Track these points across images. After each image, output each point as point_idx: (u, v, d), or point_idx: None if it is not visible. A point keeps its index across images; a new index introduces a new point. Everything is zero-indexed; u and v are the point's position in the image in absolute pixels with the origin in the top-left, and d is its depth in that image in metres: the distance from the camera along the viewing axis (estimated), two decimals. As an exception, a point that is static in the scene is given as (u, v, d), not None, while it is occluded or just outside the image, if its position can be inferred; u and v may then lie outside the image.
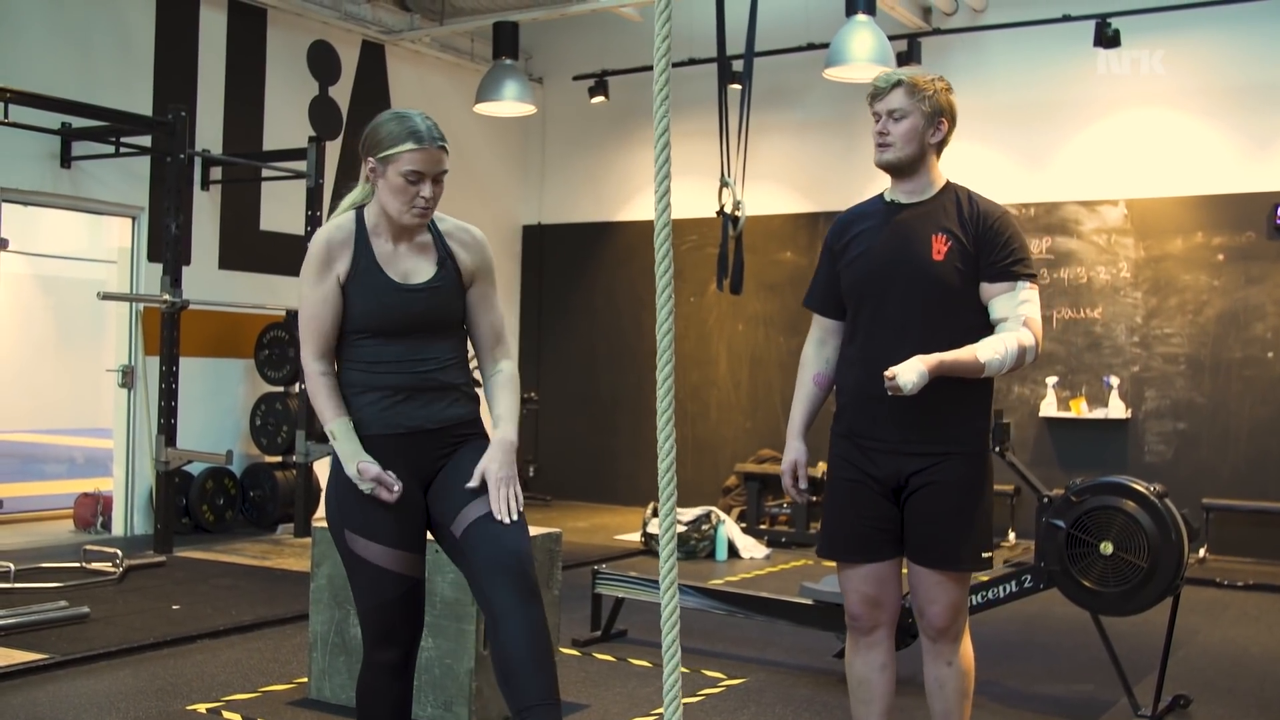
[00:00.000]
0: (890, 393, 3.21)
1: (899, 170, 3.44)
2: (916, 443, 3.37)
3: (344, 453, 3.02)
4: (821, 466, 8.96)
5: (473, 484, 3.04)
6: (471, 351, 3.25)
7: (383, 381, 3.08)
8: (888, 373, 3.20)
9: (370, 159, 3.09)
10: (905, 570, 3.51)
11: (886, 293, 3.41)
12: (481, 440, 3.17)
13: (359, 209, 3.18)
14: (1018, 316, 3.34)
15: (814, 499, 8.13)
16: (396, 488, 2.99)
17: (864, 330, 3.46)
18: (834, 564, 3.61)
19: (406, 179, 3.04)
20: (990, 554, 3.46)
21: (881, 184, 3.54)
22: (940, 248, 3.35)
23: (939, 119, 3.42)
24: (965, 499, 3.38)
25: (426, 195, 3.07)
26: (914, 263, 3.37)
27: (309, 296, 3.10)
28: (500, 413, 3.18)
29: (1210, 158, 9.16)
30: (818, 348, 3.66)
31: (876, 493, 3.44)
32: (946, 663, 3.46)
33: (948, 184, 3.47)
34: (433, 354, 3.12)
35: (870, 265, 3.44)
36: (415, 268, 3.13)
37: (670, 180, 2.02)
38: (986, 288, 3.37)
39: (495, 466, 3.06)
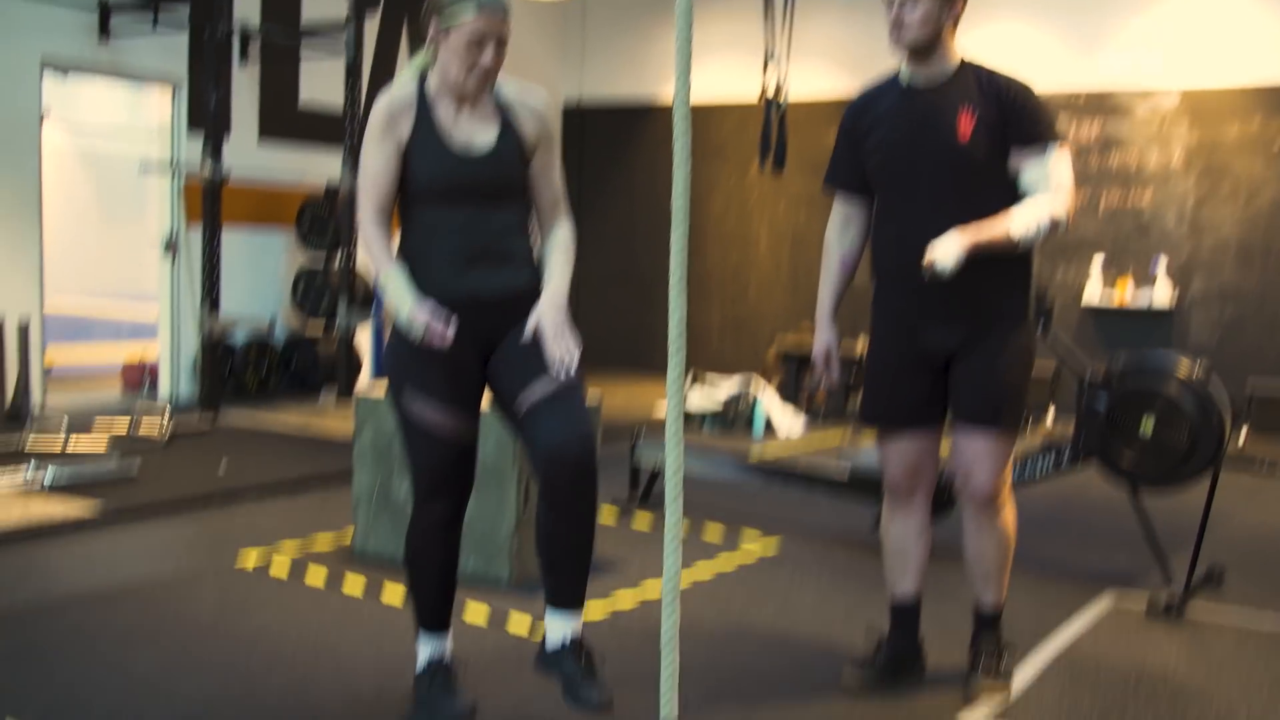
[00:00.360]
0: (928, 278, 3.23)
1: (917, 52, 3.38)
2: (959, 317, 3.39)
3: (396, 299, 2.99)
4: (861, 338, 8.99)
5: (526, 337, 3.02)
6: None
7: (444, 248, 3.06)
8: (925, 259, 3.21)
9: (434, 23, 3.05)
10: (947, 439, 3.54)
11: (916, 176, 3.40)
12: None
13: (423, 73, 3.14)
14: (1048, 180, 3.32)
15: (849, 383, 8.18)
16: (450, 332, 2.95)
17: (896, 213, 3.46)
18: (874, 433, 3.65)
19: (468, 45, 3.00)
20: (1026, 419, 3.50)
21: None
22: (965, 128, 3.33)
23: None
24: (1009, 362, 3.40)
25: (488, 62, 3.03)
26: (940, 145, 3.35)
27: (369, 160, 3.07)
28: (552, 271, 3.16)
29: (1269, 43, 8.93)
30: (841, 230, 3.67)
31: (919, 364, 3.47)
32: (989, 529, 3.50)
33: (963, 63, 3.42)
34: (495, 221, 3.09)
35: (896, 151, 3.43)
36: (477, 134, 3.09)
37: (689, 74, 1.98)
38: (1015, 155, 3.34)
39: (548, 320, 3.02)
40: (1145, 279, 9.29)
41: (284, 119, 9.58)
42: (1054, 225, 3.32)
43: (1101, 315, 9.43)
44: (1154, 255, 9.26)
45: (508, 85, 3.18)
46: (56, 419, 6.92)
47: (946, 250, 3.20)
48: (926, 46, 3.37)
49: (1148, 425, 4.61)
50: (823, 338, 3.69)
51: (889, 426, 3.56)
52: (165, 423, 7.11)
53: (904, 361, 3.49)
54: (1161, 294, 9.16)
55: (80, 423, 7.20)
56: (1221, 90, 9.10)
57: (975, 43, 10.57)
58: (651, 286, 11.31)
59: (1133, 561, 5.15)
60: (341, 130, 9.13)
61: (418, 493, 3.16)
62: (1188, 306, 9.24)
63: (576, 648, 3.05)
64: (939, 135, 3.36)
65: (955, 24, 3.41)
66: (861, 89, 3.64)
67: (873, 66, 10.68)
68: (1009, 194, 3.36)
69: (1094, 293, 9.38)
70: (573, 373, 3.00)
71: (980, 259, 3.25)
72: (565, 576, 3.08)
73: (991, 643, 3.58)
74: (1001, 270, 3.37)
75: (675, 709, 2.61)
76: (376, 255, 3.06)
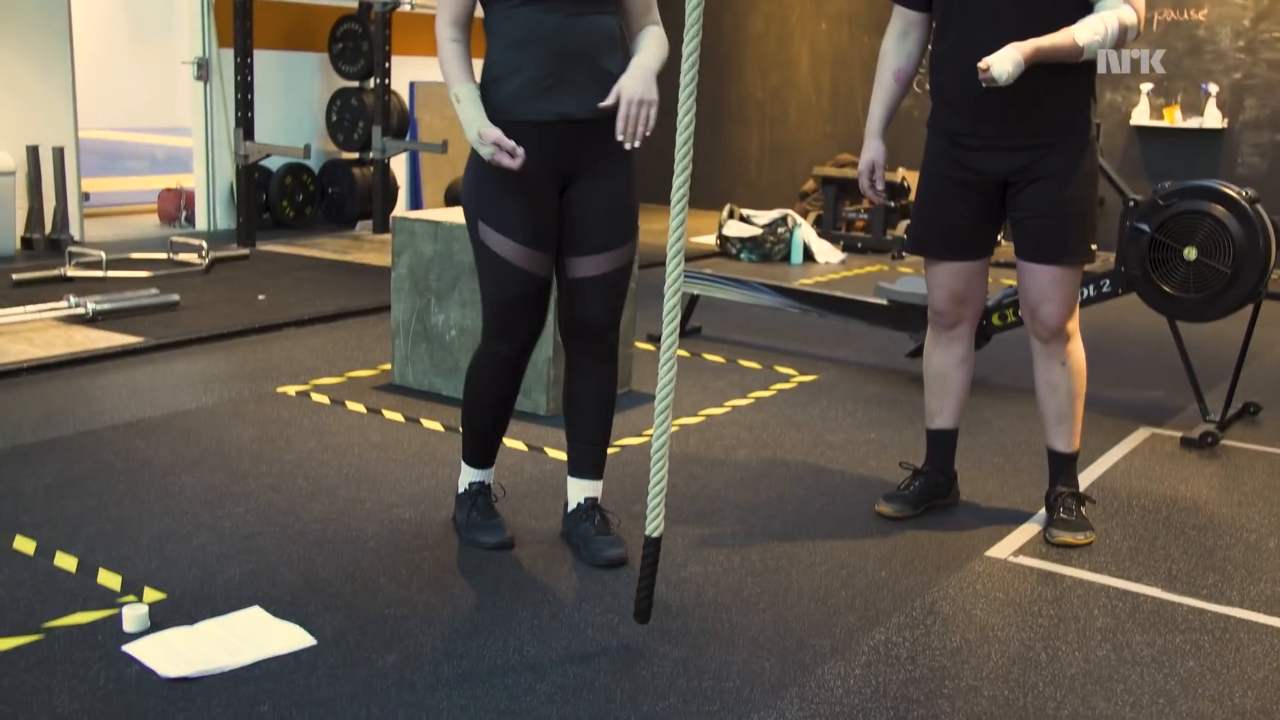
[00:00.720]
0: (985, 84, 3.12)
1: None
2: (1018, 135, 3.29)
3: (466, 118, 2.91)
4: (901, 171, 8.87)
5: (607, 102, 2.88)
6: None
7: (533, 58, 2.92)
8: (981, 64, 3.10)
9: None
10: (1010, 269, 3.48)
11: None
12: (626, 158, 3.05)
13: None
14: None
15: (891, 203, 8.08)
16: (519, 154, 2.86)
17: (955, 24, 3.33)
18: (917, 260, 3.61)
19: None
20: (1096, 246, 3.42)
21: None
22: None
23: None
24: (1074, 190, 3.31)
25: None
26: None
27: None
28: (642, 47, 3.01)
29: None
30: (899, 40, 3.54)
31: (974, 189, 3.39)
32: (1060, 363, 3.46)
33: None
34: (589, 27, 2.95)
35: None
36: None
37: None
38: None
39: (631, 85, 2.87)
40: (1194, 105, 9.04)
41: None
42: (1123, 31, 3.16)
43: (1149, 135, 9.20)
44: (1205, 79, 8.99)
45: None
46: (96, 248, 6.96)
47: (1004, 55, 3.08)
48: None
49: (1191, 251, 4.55)
50: (869, 152, 3.60)
51: (937, 251, 3.50)
52: (204, 252, 7.15)
53: (956, 184, 3.41)
54: (1212, 117, 8.93)
55: (119, 252, 7.25)
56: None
57: None
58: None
59: (1170, 395, 5.15)
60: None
61: (488, 328, 3.14)
62: (1239, 130, 9.01)
63: (592, 508, 3.26)
64: None
65: None
66: None
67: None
68: (1076, 6, 3.21)
69: (1143, 113, 9.15)
70: (638, 141, 2.88)
71: (1041, 71, 3.13)
72: (585, 444, 3.25)
73: (1069, 493, 3.55)
74: (1062, 84, 3.25)
75: (662, 526, 2.69)
76: (449, 70, 2.97)
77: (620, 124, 2.85)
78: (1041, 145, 3.29)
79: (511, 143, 2.86)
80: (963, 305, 3.53)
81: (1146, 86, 9.14)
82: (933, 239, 3.51)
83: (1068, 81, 3.26)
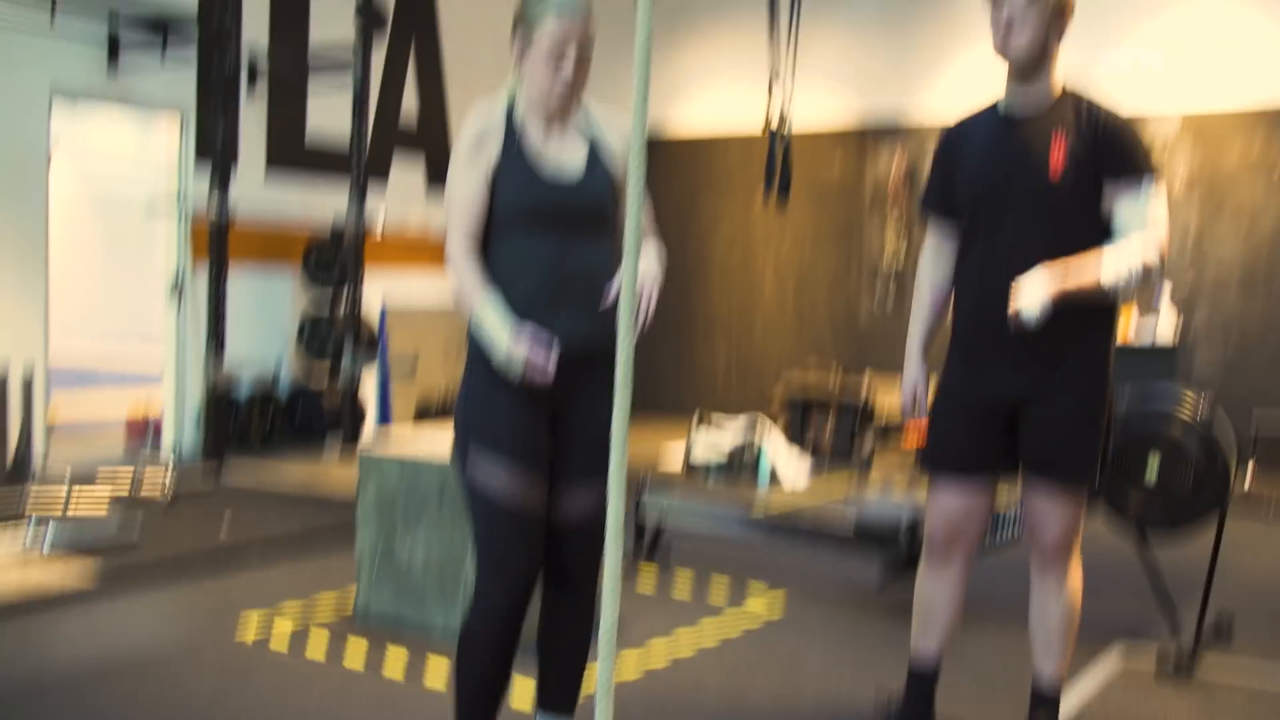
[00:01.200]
0: (1013, 329, 3.16)
1: (1022, 64, 3.26)
2: (1037, 361, 3.29)
3: (494, 329, 2.86)
4: (867, 375, 8.95)
5: (607, 301, 2.91)
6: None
7: (531, 284, 2.92)
8: (1011, 310, 3.12)
9: (517, 39, 2.99)
10: (1017, 491, 3.45)
11: (1003, 212, 3.30)
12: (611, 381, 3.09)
13: (511, 99, 3.06)
14: (1143, 218, 3.20)
15: (852, 430, 8.13)
16: (553, 364, 2.83)
17: (980, 249, 3.36)
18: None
19: (550, 51, 2.93)
20: (1101, 470, 3.38)
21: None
22: (1057, 166, 3.22)
23: (1063, 11, 3.24)
24: (1087, 412, 3.31)
25: (569, 69, 2.95)
26: (1031, 182, 3.26)
27: (458, 183, 2.98)
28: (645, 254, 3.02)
29: (1269, 64, 8.89)
30: (934, 255, 3.58)
31: (989, 411, 3.37)
32: (1055, 589, 3.41)
33: (1064, 92, 3.30)
34: (586, 254, 2.97)
35: (986, 184, 3.34)
36: (567, 157, 3.00)
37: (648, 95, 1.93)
38: (1109, 189, 3.23)
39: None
40: (1148, 309, 9.21)
41: (291, 150, 9.58)
42: (1147, 271, 3.18)
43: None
44: (1156, 285, 9.19)
45: (595, 109, 3.11)
46: (59, 475, 6.89)
47: (1032, 298, 3.09)
48: (1030, 59, 3.24)
49: (1152, 469, 4.55)
50: (911, 374, 3.58)
51: (944, 472, 3.45)
52: (168, 479, 7.09)
53: (973, 401, 3.40)
54: (1165, 326, 9.10)
55: (83, 477, 7.18)
56: (1222, 114, 9.05)
57: (970, 69, 10.45)
58: (653, 326, 11.25)
59: (1141, 612, 5.09)
60: (348, 163, 9.10)
61: (481, 570, 3.00)
62: (1191, 339, 9.17)
63: None
64: (1031, 169, 3.26)
65: (1060, 38, 3.27)
66: (959, 117, 3.53)
67: (879, 91, 10.69)
68: (1099, 235, 3.25)
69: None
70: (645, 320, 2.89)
71: (1064, 305, 3.15)
72: (558, 680, 3.15)
73: None
74: (1083, 317, 3.25)
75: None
76: (469, 287, 2.93)
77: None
78: (1058, 366, 3.29)
79: (543, 355, 2.82)
80: (960, 534, 3.47)
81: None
82: (944, 456, 3.46)
83: (1087, 312, 3.27)
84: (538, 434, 2.97)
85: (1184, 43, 9.17)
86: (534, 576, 3.02)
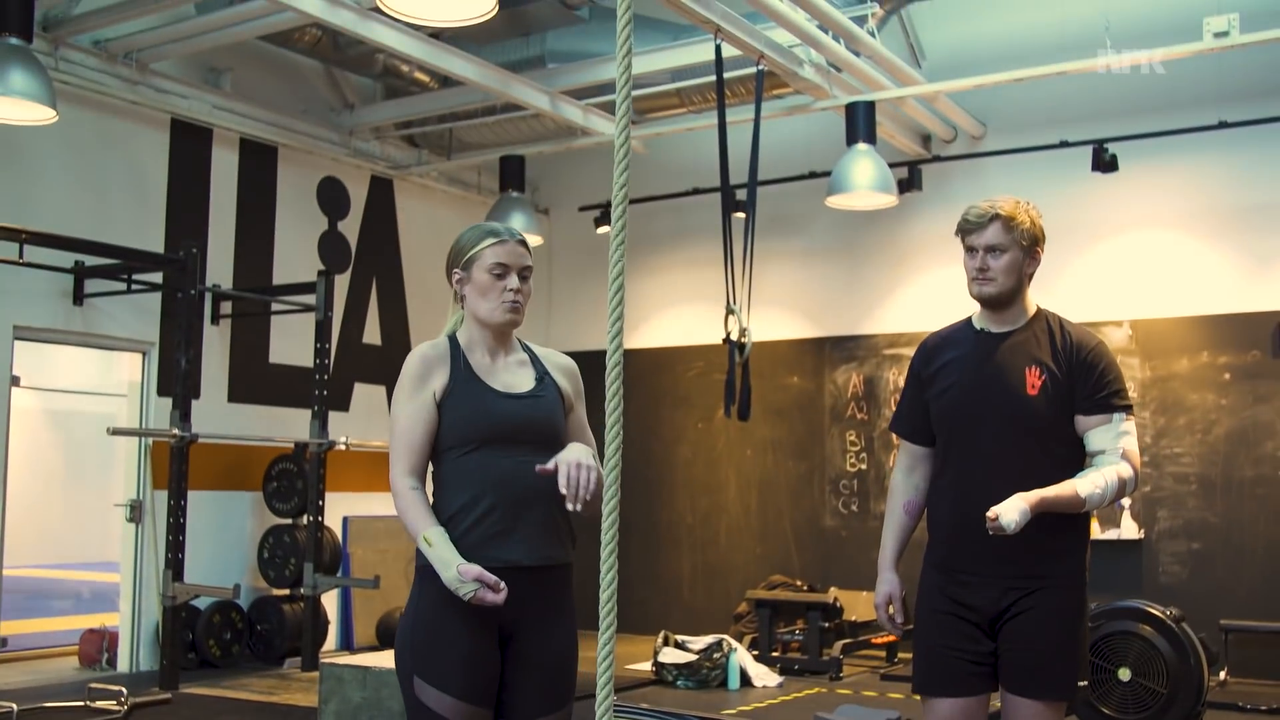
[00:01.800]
0: (992, 533, 3.16)
1: (997, 304, 3.41)
2: (1014, 576, 3.30)
3: (441, 559, 2.85)
4: (833, 591, 8.89)
5: (546, 467, 2.91)
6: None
7: (487, 504, 2.94)
8: (989, 514, 3.14)
9: (456, 270, 3.09)
10: (997, 705, 3.40)
11: (979, 426, 3.36)
12: (568, 609, 3.07)
13: (452, 335, 3.14)
14: (1116, 449, 3.28)
15: (821, 631, 8.04)
16: (503, 588, 2.82)
17: (956, 463, 3.41)
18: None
19: (492, 274, 3.03)
20: (1086, 681, 3.35)
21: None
22: (1034, 381, 3.31)
23: (1035, 249, 3.40)
24: (1065, 626, 3.30)
25: (514, 288, 3.05)
26: (1007, 396, 3.33)
27: (403, 412, 2.99)
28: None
29: (1211, 278, 9.23)
30: (906, 475, 3.60)
31: (971, 624, 3.35)
32: None
33: (1038, 311, 3.44)
34: (538, 475, 2.99)
35: (962, 397, 3.40)
36: (516, 379, 3.07)
37: (623, 320, 2.02)
38: (1083, 420, 3.32)
39: (569, 452, 2.93)
40: (1110, 518, 9.29)
41: (254, 378, 9.64)
42: (1122, 487, 3.26)
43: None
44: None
45: (531, 345, 3.20)
46: (8, 698, 6.68)
47: (1012, 505, 3.13)
48: (1006, 298, 3.38)
49: (1125, 672, 4.55)
50: (885, 585, 3.57)
51: (938, 689, 3.40)
52: (123, 699, 6.88)
53: (952, 619, 3.37)
54: (1129, 529, 9.16)
55: (33, 700, 6.95)
56: (1169, 319, 9.31)
57: (921, 290, 10.77)
58: (620, 537, 11.20)
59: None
60: (310, 389, 9.17)
61: None
62: (1155, 540, 9.22)
63: None
64: (1006, 385, 3.33)
65: (1031, 276, 3.43)
66: (936, 332, 3.62)
67: (830, 314, 10.97)
68: (1074, 452, 3.32)
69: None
70: (580, 503, 2.87)
71: (1041, 517, 3.18)
72: None
73: None
74: (1057, 527, 3.27)
75: None
76: (415, 515, 2.92)
77: (562, 483, 2.86)
78: (1033, 584, 3.29)
79: (494, 577, 2.81)
80: None
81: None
82: (933, 676, 3.42)
83: (1066, 526, 3.30)
84: (488, 665, 2.93)
85: (1131, 261, 9.50)
86: None
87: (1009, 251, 3.35)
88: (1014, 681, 3.32)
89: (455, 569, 2.82)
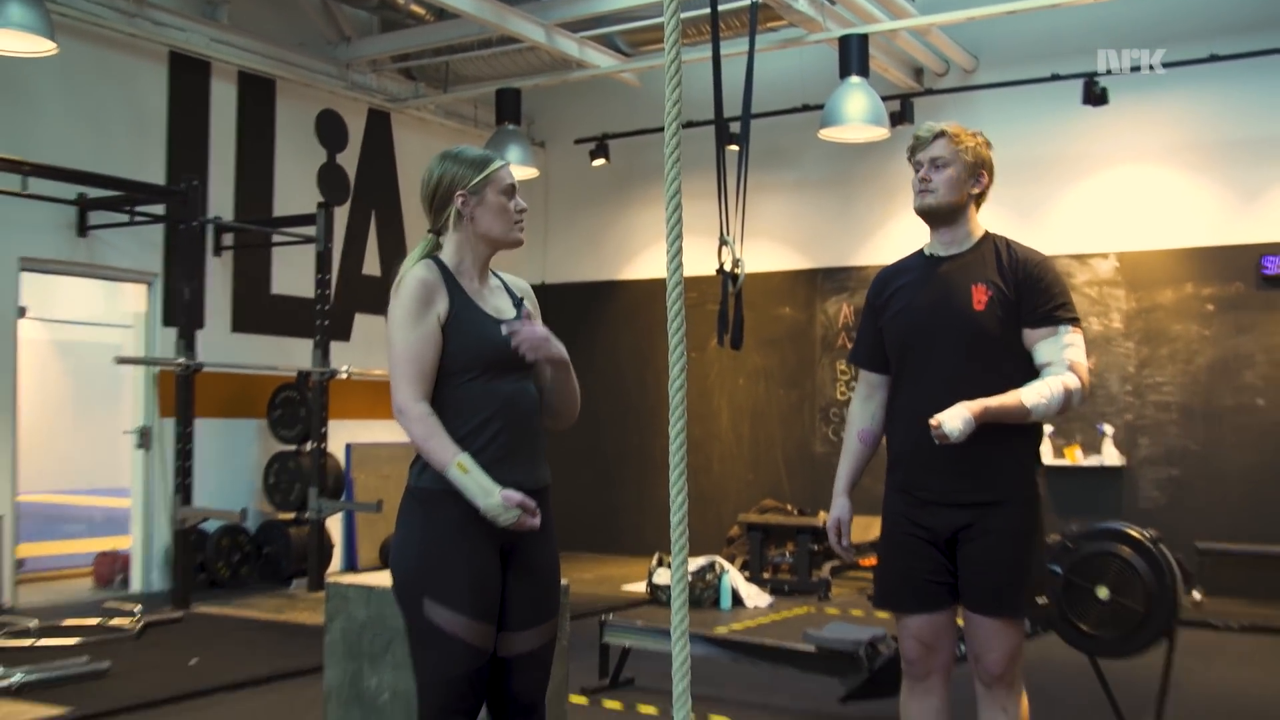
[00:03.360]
0: (937, 441, 3.22)
1: (938, 217, 3.45)
2: (968, 491, 3.35)
3: (480, 486, 2.85)
4: (821, 514, 9.00)
5: (510, 327, 2.99)
6: None
7: (492, 429, 2.95)
8: (932, 421, 3.21)
9: (460, 194, 3.04)
10: (960, 619, 3.49)
11: (930, 344, 3.41)
12: (552, 530, 3.09)
13: (437, 260, 3.08)
14: (1062, 360, 3.32)
15: (858, 558, 8.15)
16: (538, 513, 2.89)
17: (910, 382, 3.46)
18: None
19: (506, 195, 3.07)
20: (1045, 599, 3.43)
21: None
22: (981, 297, 3.36)
23: (979, 170, 3.46)
24: (1019, 545, 3.36)
25: (522, 208, 3.11)
26: (956, 313, 3.38)
27: (407, 338, 2.93)
28: None
29: (1198, 211, 9.26)
30: (863, 403, 3.66)
31: (930, 544, 3.41)
32: (1002, 710, 3.42)
33: (986, 234, 3.49)
34: (528, 395, 3.04)
35: (913, 318, 3.45)
36: (501, 305, 3.09)
37: (682, 240, 1.96)
38: (1029, 333, 3.36)
39: (539, 326, 3.02)
40: (1093, 445, 9.40)
41: (256, 308, 9.70)
42: (1067, 397, 3.30)
43: (1053, 474, 9.44)
44: (1099, 420, 9.39)
45: (498, 271, 3.22)
46: (27, 616, 6.80)
47: (955, 413, 3.19)
48: (948, 212, 3.44)
49: (1103, 590, 4.63)
50: (837, 510, 3.64)
51: (903, 606, 3.48)
52: (136, 616, 7.00)
53: (913, 539, 3.44)
54: (1111, 456, 9.26)
55: (51, 618, 7.08)
56: (1155, 251, 9.36)
57: (909, 223, 10.75)
58: (615, 465, 11.33)
59: (1098, 729, 5.11)
60: (311, 318, 9.21)
61: (429, 712, 2.95)
62: (1136, 467, 9.33)
63: None
64: (955, 303, 3.38)
65: (979, 201, 3.49)
66: (890, 264, 3.67)
67: (822, 246, 10.99)
68: (1023, 367, 3.36)
69: (1045, 453, 9.45)
70: (535, 353, 2.98)
71: (989, 431, 3.23)
72: None
73: None
74: (1009, 445, 3.34)
75: None
76: (441, 442, 2.90)
77: (522, 335, 2.96)
78: (987, 503, 3.35)
79: (533, 502, 2.87)
80: (932, 655, 3.47)
81: (1048, 429, 9.49)
82: (897, 593, 3.50)
83: (1014, 443, 3.36)
84: (493, 583, 2.97)
85: (1119, 194, 9.52)
86: (478, 711, 3.01)
87: (951, 166, 3.42)
88: (973, 600, 3.40)
89: (498, 496, 2.85)
